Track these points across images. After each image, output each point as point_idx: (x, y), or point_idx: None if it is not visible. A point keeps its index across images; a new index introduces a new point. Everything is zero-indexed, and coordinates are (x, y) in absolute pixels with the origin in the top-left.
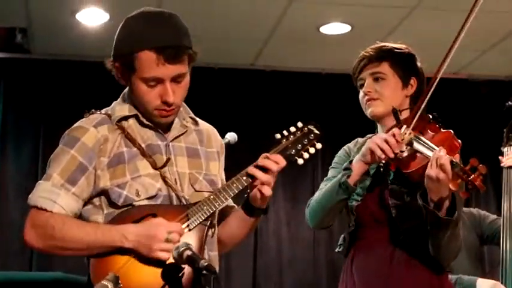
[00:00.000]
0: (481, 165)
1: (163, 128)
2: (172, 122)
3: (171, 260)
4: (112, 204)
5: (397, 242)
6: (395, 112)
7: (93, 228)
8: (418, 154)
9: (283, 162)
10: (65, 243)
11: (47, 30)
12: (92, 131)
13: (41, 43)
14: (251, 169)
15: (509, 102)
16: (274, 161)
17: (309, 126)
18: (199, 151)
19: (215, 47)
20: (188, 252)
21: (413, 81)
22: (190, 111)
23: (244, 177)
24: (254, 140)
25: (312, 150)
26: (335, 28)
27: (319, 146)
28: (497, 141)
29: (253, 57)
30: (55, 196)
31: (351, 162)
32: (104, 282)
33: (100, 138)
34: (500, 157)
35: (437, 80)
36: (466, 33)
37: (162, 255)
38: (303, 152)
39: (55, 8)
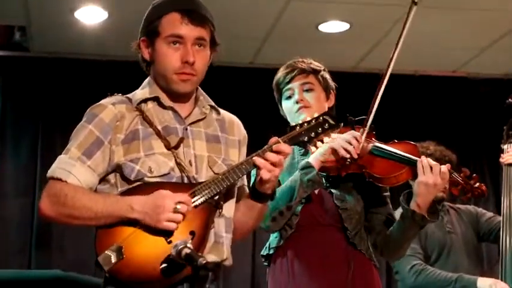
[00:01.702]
0: (474, 174)
1: (183, 112)
2: (192, 108)
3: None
4: (125, 179)
5: (349, 244)
6: (351, 120)
7: (103, 197)
8: (388, 160)
9: (287, 150)
10: (75, 211)
11: (45, 28)
12: (109, 107)
13: (39, 41)
14: (256, 159)
15: (510, 100)
16: (277, 151)
17: (324, 117)
18: (219, 137)
19: None
20: (186, 250)
21: (332, 96)
22: (210, 100)
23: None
24: (253, 139)
25: (326, 139)
26: (334, 26)
27: (334, 136)
28: (497, 139)
29: (252, 56)
30: (70, 167)
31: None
32: (107, 252)
33: (117, 114)
34: (501, 155)
35: (384, 84)
36: (466, 33)
37: (169, 225)
38: (316, 141)
39: (54, 6)
